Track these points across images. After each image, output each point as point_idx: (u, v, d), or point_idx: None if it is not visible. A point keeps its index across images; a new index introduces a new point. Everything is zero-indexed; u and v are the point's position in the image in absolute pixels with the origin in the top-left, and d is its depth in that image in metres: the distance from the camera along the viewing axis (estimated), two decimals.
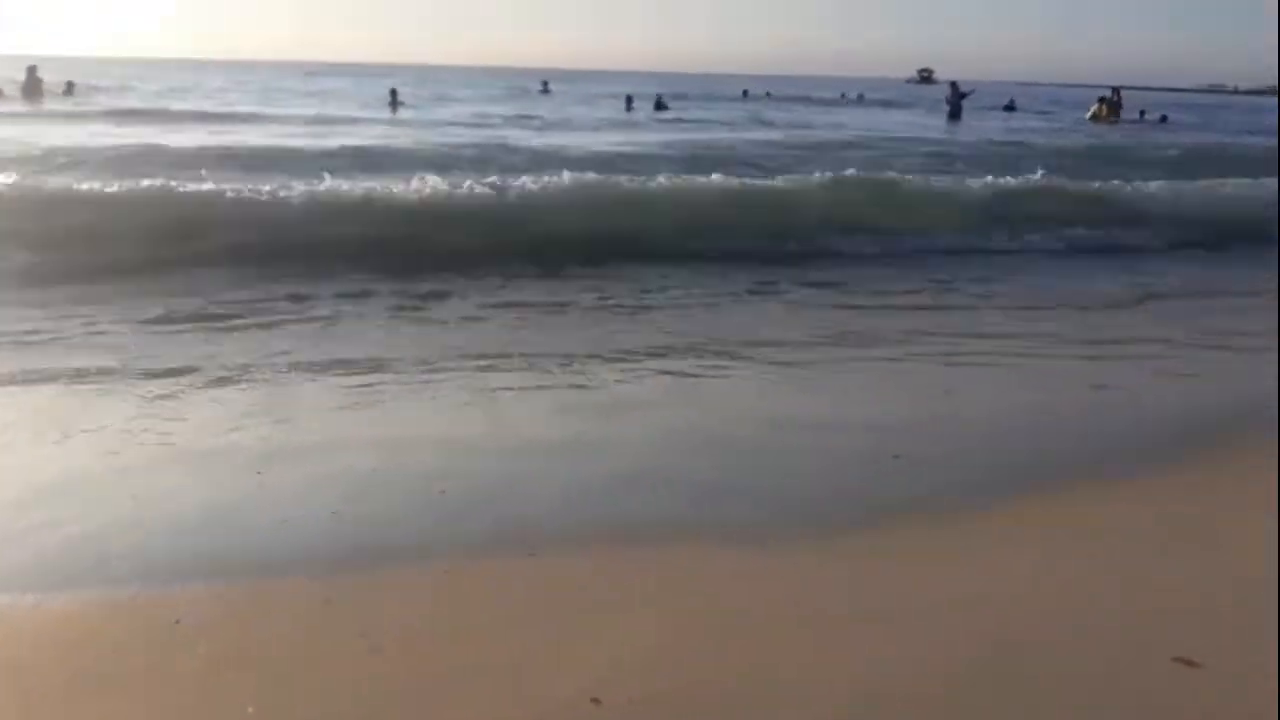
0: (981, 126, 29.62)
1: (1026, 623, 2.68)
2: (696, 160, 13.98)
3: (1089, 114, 34.22)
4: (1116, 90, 35.30)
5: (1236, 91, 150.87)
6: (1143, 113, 34.74)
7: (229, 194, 9.15)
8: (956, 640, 2.58)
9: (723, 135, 22.03)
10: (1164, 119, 33.84)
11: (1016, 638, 2.59)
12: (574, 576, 2.93)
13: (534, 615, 2.69)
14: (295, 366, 5.04)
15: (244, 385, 4.70)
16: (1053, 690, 2.36)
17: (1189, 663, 2.44)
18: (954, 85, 35.58)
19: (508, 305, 6.66)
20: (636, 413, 4.50)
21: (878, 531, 3.29)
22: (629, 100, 35.51)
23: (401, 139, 17.74)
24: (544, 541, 3.14)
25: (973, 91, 36.41)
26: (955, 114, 33.68)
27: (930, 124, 31.18)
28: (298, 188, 9.46)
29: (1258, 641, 2.55)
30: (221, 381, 4.73)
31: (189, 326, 5.81)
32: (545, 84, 49.39)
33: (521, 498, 3.50)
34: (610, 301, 6.87)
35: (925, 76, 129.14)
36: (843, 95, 53.87)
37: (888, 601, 2.80)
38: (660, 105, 35.10)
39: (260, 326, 5.89)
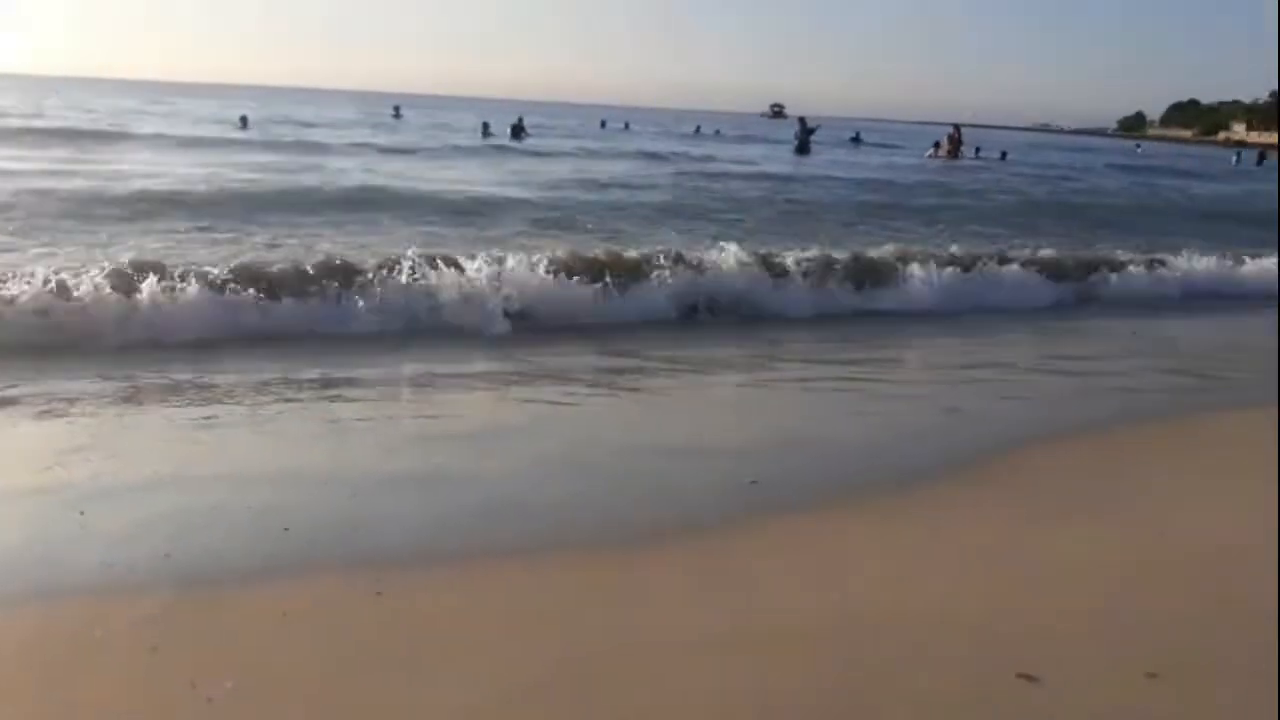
0: (828, 159, 30.94)
1: (878, 643, 2.71)
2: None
3: (928, 153, 35.75)
4: (957, 128, 37.18)
5: (1063, 131, 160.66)
6: (978, 149, 36.60)
7: None
8: (808, 663, 2.59)
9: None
10: (1004, 156, 35.79)
11: (870, 656, 2.62)
12: (420, 615, 2.82)
13: (376, 659, 2.56)
14: (125, 397, 4.75)
15: (69, 418, 4.41)
16: (905, 712, 2.39)
17: (1029, 678, 2.51)
18: (802, 120, 36.86)
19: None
20: (490, 441, 4.41)
21: (728, 552, 3.29)
22: (485, 126, 35.79)
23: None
24: (392, 579, 3.01)
25: (819, 127, 37.74)
26: (803, 148, 34.85)
27: (780, 157, 32.17)
28: None
29: (1092, 654, 2.66)
30: (43, 415, 4.43)
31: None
32: (397, 109, 50.12)
33: (369, 533, 3.36)
34: None
35: (777, 111, 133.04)
36: (698, 129, 54.83)
37: (739, 622, 2.80)
38: (517, 132, 35.21)
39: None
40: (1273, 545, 3.39)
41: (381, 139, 28.37)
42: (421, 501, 3.65)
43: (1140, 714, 2.41)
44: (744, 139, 44.14)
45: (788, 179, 21.55)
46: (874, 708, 2.41)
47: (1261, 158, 50.47)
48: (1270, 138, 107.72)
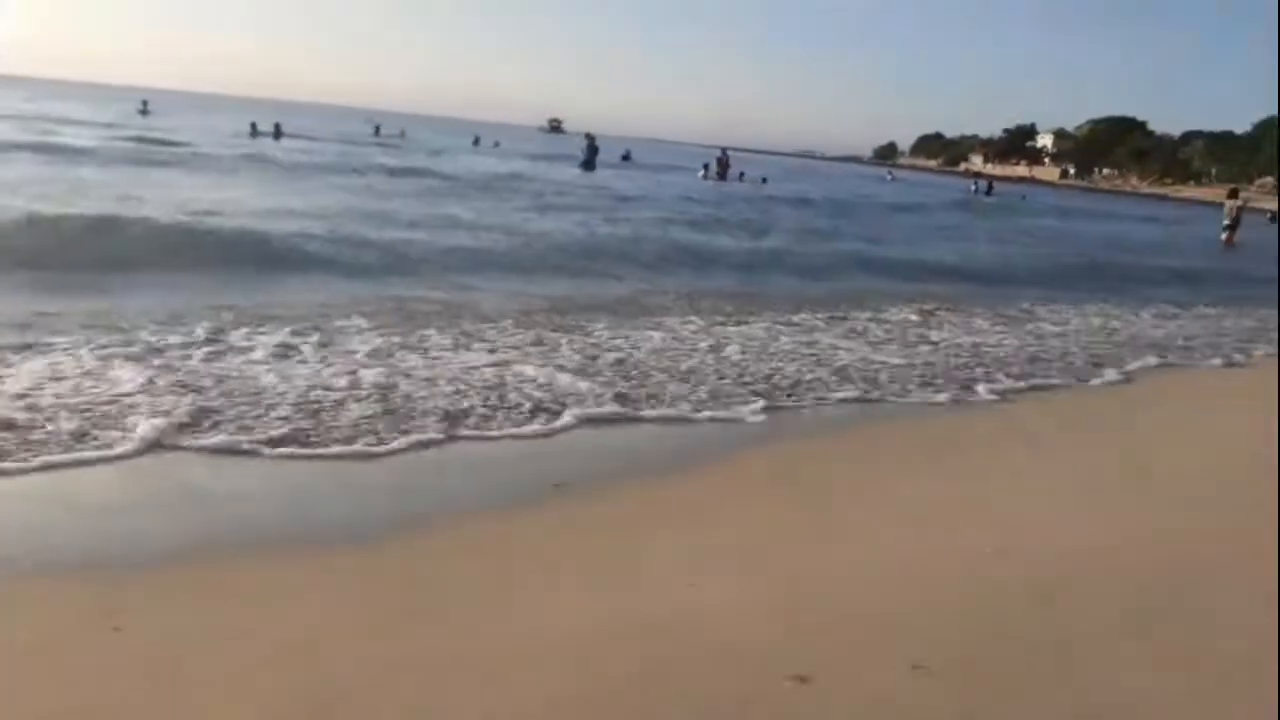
0: (612, 175, 31.50)
1: (651, 649, 2.62)
2: None
3: (700, 174, 37.33)
4: (725, 152, 39.01)
5: (824, 158, 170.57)
6: (742, 174, 38.36)
7: None
8: (580, 673, 2.47)
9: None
10: (764, 180, 37.63)
11: (642, 663, 2.53)
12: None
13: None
14: None
15: None
16: (678, 717, 2.31)
17: (801, 679, 2.48)
18: (590, 137, 37.26)
19: None
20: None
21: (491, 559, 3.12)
22: (253, 126, 37.96)
23: None
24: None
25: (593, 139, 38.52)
26: (589, 164, 35.35)
27: (567, 172, 32.41)
28: None
29: (861, 651, 2.67)
30: None
31: None
32: (144, 104, 50.94)
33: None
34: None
35: (555, 126, 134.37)
36: (477, 140, 54.50)
37: (503, 634, 2.64)
38: (279, 134, 37.29)
39: None
40: (1030, 540, 3.56)
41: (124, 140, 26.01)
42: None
43: (907, 705, 2.42)
44: (531, 157, 43.78)
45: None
46: (646, 715, 2.31)
47: (990, 188, 55.53)
48: (1001, 170, 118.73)
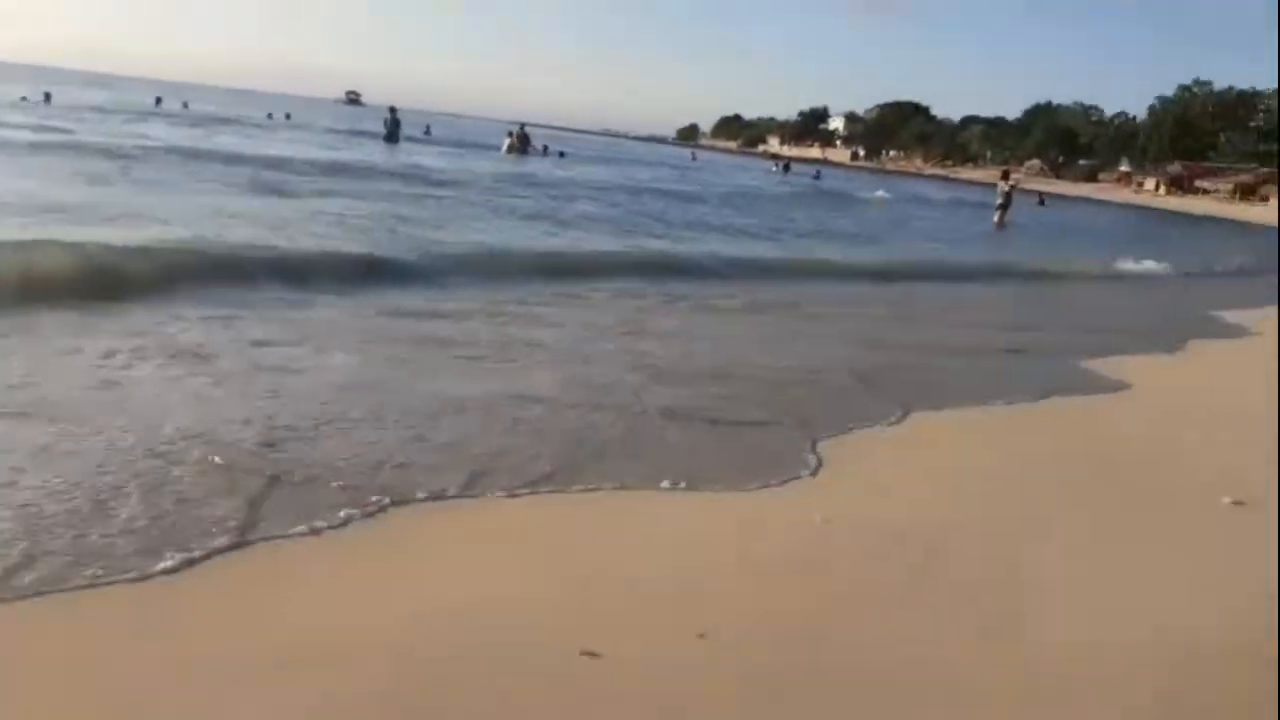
0: (417, 149, 30.85)
1: (443, 640, 2.65)
2: None
3: (505, 147, 37.78)
4: (522, 126, 40.70)
5: (629, 137, 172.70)
6: (545, 147, 40.69)
7: None
8: (372, 671, 2.47)
9: None
10: (562, 154, 40.08)
11: (436, 653, 2.55)
12: None
13: None
14: None
15: None
16: (477, 702, 2.35)
17: (592, 654, 2.57)
18: (392, 110, 36.82)
19: None
20: None
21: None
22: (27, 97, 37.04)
23: None
24: None
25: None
26: (393, 137, 35.05)
27: (371, 148, 31.56)
28: None
29: (648, 623, 2.78)
30: None
31: None
32: None
33: None
34: None
35: (353, 99, 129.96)
36: (270, 115, 52.28)
37: (296, 639, 2.61)
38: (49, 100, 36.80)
39: None
40: (809, 510, 3.77)
41: None
42: None
43: (691, 672, 2.55)
44: (329, 132, 41.98)
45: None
46: (444, 704, 2.34)
47: (787, 167, 58.87)
48: (798, 151, 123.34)
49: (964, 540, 3.57)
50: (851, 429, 4.95)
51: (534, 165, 32.70)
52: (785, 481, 4.11)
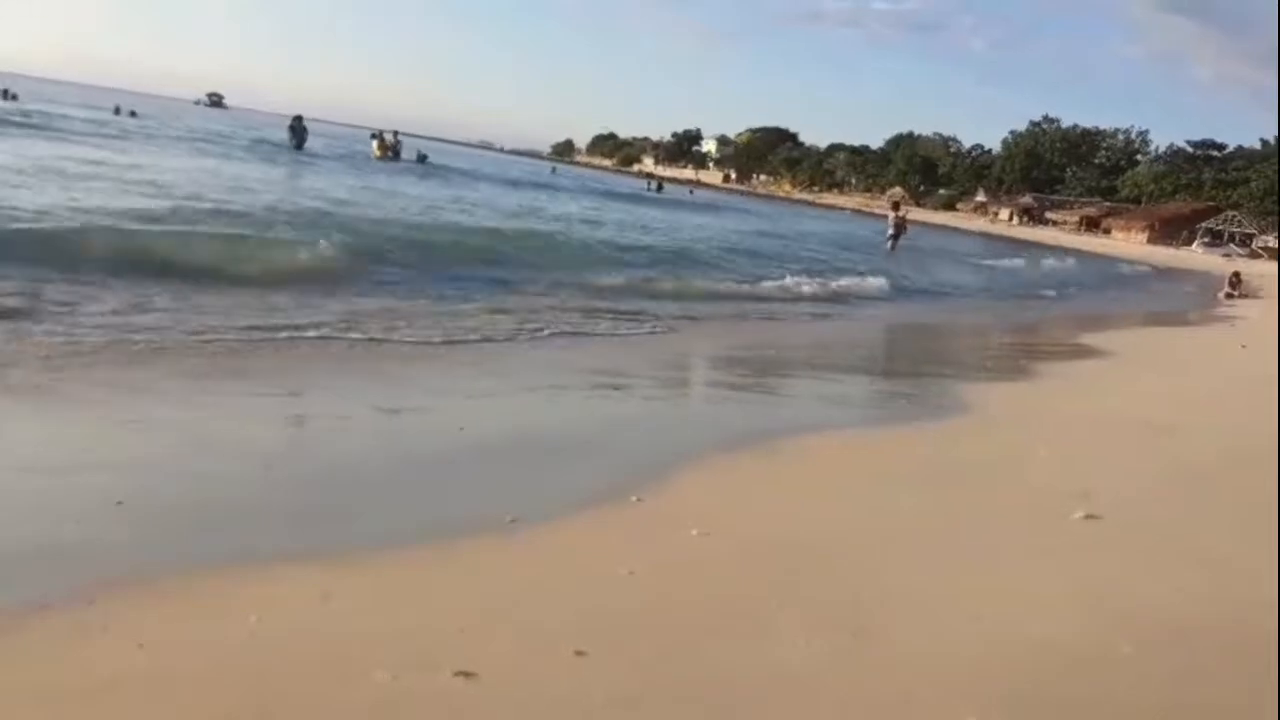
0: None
1: (311, 662, 2.55)
2: None
3: (376, 154, 38.90)
4: (395, 134, 42.79)
5: (502, 150, 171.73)
6: (424, 156, 42.16)
7: None
8: (227, 698, 2.35)
9: None
10: (424, 159, 42.25)
11: (299, 678, 2.45)
12: None
13: None
14: None
15: None
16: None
17: (467, 674, 2.51)
18: (298, 118, 38.24)
19: None
20: None
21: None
22: None
23: None
24: None
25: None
26: (301, 145, 36.79)
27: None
28: None
29: (525, 642, 2.74)
30: None
31: None
32: None
33: None
34: None
35: (215, 101, 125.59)
36: (117, 109, 50.96)
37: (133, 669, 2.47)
38: None
39: None
40: (685, 524, 3.78)
41: None
42: None
43: (567, 689, 2.52)
44: (190, 138, 40.34)
45: None
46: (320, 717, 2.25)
47: (660, 187, 60.89)
48: (673, 172, 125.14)
49: (830, 555, 3.64)
50: (722, 449, 5.02)
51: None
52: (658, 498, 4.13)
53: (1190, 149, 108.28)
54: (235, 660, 2.53)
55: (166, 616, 2.73)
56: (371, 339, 6.95)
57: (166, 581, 2.93)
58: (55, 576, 2.90)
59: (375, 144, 40.46)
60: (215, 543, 3.29)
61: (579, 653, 2.67)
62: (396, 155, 39.55)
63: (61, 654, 2.50)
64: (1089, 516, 4.23)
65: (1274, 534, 4.00)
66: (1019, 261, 30.68)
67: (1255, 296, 27.22)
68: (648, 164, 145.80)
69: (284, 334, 6.71)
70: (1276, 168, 73.53)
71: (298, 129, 37.36)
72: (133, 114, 50.15)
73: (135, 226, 10.48)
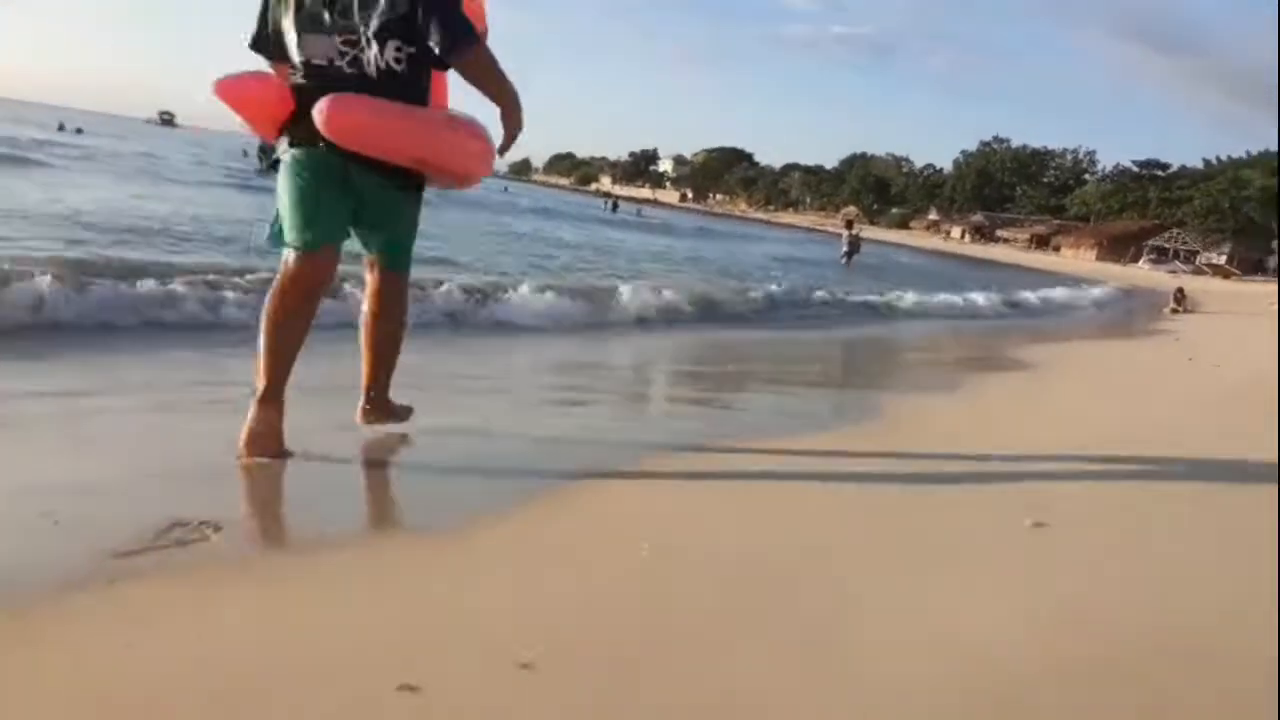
0: None
1: (251, 682, 2.48)
2: None
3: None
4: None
5: None
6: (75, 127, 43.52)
7: None
8: None
9: None
10: (80, 130, 44.36)
11: (240, 698, 2.38)
12: None
13: None
14: None
15: None
16: None
17: (411, 688, 2.46)
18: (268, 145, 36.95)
19: None
20: None
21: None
22: None
23: None
24: None
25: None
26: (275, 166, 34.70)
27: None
28: None
29: (469, 655, 2.69)
30: None
31: None
32: None
33: None
34: None
35: (167, 120, 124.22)
36: (61, 125, 50.89)
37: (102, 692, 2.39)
38: None
39: None
40: (635, 539, 3.75)
41: None
42: None
43: (511, 703, 2.47)
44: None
45: None
46: None
47: (615, 206, 61.46)
48: (630, 191, 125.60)
49: (780, 569, 3.61)
50: (674, 458, 5.00)
51: None
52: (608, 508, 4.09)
53: (1136, 168, 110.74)
54: (174, 678, 2.45)
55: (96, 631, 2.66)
56: None
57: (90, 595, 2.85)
58: None
59: None
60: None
61: (525, 665, 2.63)
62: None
63: None
64: (1038, 524, 4.25)
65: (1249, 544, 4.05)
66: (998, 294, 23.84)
67: (1197, 311, 28.03)
68: (605, 183, 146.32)
69: None
70: (1276, 171, 75.57)
71: (268, 149, 36.33)
72: (79, 131, 49.80)
73: None
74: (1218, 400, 9.56)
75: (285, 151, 3.86)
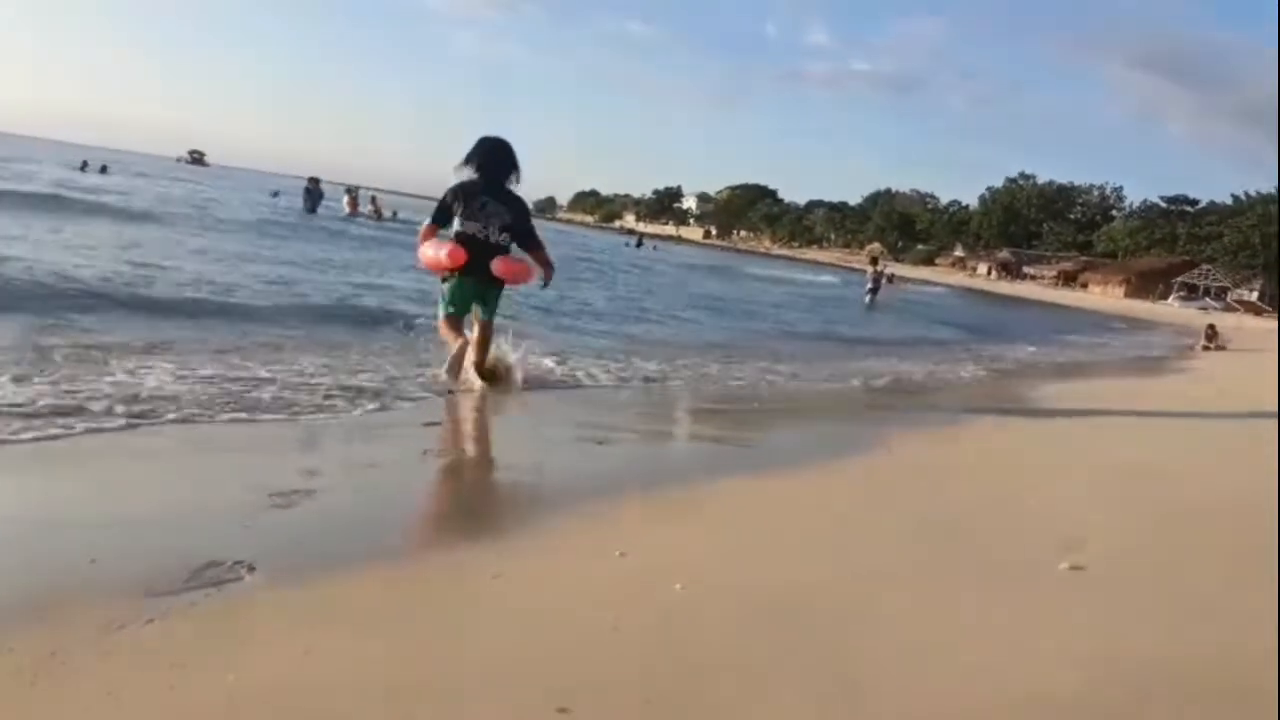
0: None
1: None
2: None
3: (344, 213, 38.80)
4: (356, 188, 43.16)
5: None
6: (395, 213, 41.22)
7: None
8: None
9: None
10: (104, 169, 45.78)
11: None
12: None
13: None
14: None
15: None
16: None
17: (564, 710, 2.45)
18: (314, 180, 38.72)
19: None
20: None
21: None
22: None
23: None
24: None
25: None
26: (313, 209, 36.37)
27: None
28: None
29: (503, 698, 2.67)
30: None
31: None
32: None
33: None
34: None
35: (197, 158, 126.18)
36: (84, 164, 50.68)
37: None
38: None
39: None
40: (669, 577, 3.73)
41: None
42: None
43: None
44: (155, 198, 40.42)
45: None
46: None
47: (640, 242, 63.03)
48: (655, 228, 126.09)
49: (810, 605, 3.58)
50: (705, 497, 4.98)
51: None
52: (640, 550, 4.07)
53: (1164, 204, 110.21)
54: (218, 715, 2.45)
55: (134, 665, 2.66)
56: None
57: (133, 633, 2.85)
58: None
59: (346, 200, 40.85)
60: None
61: (563, 710, 2.61)
62: (354, 212, 39.90)
63: None
64: (1074, 568, 4.20)
65: (1272, 579, 3.98)
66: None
67: (1228, 349, 27.75)
68: (629, 220, 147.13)
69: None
70: (1277, 209, 75.22)
71: (314, 191, 37.89)
72: (103, 169, 49.60)
73: None
74: (1250, 437, 9.43)
75: (450, 279, 7.62)
